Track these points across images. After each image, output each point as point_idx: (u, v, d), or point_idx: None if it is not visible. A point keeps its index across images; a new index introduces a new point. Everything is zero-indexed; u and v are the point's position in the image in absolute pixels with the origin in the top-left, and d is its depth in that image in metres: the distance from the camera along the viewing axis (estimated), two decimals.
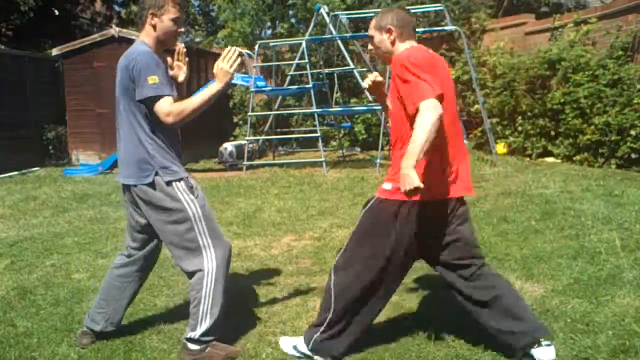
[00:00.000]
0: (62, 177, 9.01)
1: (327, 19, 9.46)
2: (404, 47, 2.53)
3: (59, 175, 9.24)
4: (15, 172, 9.36)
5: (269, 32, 12.18)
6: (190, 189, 2.65)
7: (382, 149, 8.27)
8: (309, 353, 2.61)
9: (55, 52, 10.77)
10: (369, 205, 2.54)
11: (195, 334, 2.60)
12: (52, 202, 6.71)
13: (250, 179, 7.81)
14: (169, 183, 2.60)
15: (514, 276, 3.45)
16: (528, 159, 8.21)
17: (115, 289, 2.85)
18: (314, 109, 8.60)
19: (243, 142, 9.74)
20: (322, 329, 2.55)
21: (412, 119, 2.28)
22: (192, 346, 2.62)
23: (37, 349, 2.83)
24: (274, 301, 3.32)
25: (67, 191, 7.45)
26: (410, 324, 2.90)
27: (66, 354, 2.76)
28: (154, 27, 2.64)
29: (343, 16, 9.82)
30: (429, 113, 2.19)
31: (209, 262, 2.61)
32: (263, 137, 10.31)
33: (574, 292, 3.14)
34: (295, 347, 2.66)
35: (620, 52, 7.61)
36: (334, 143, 10.92)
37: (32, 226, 5.50)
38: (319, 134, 8.41)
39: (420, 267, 3.74)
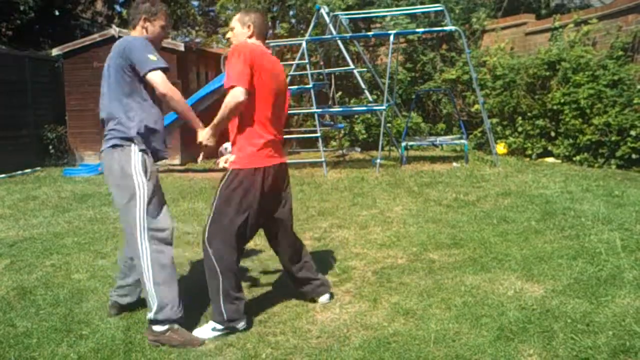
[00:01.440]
0: (61, 177, 9.01)
1: (327, 19, 9.46)
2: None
3: (58, 175, 9.24)
4: (15, 172, 9.37)
5: (270, 32, 12.18)
6: (145, 170, 2.83)
7: (382, 149, 8.27)
8: (229, 325, 2.89)
9: (55, 52, 10.77)
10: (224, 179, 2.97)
11: (150, 315, 2.80)
12: (51, 202, 6.71)
13: None
14: (128, 155, 2.81)
15: (514, 276, 3.45)
16: (528, 159, 8.21)
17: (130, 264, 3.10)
18: (314, 109, 8.60)
19: None
20: (223, 299, 2.88)
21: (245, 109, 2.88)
22: (154, 327, 2.81)
23: (37, 349, 2.83)
24: (273, 301, 3.32)
25: (67, 191, 7.45)
26: (410, 324, 2.90)
27: (66, 354, 2.76)
28: (146, 29, 2.97)
29: (343, 16, 9.82)
30: (231, 99, 2.79)
31: (142, 244, 2.82)
32: None
33: (574, 292, 3.13)
34: (214, 329, 2.90)
35: (621, 53, 7.62)
36: (334, 143, 10.91)
37: (32, 226, 5.50)
38: (319, 134, 8.41)
39: (420, 268, 3.75)
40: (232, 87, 2.80)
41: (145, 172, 2.84)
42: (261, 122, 2.95)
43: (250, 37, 3.03)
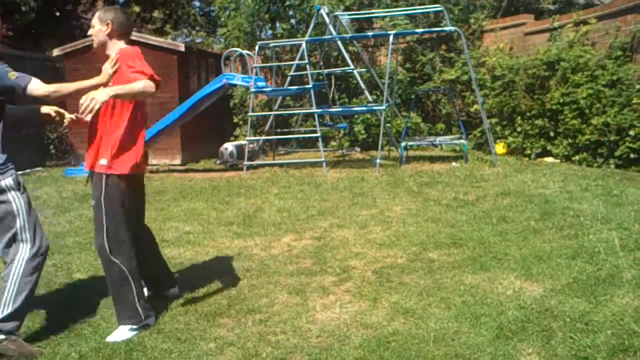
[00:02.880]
0: (63, 177, 9.02)
1: (327, 19, 9.48)
2: (117, 44, 3.07)
3: (60, 175, 9.25)
4: (17, 172, 9.35)
5: (269, 32, 12.17)
6: (18, 184, 2.88)
7: (382, 149, 8.29)
8: (144, 323, 3.01)
9: (56, 52, 10.77)
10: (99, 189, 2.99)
11: None
12: (53, 202, 6.72)
13: (251, 179, 7.82)
14: None
15: (513, 276, 3.47)
16: (527, 159, 8.22)
17: None
18: (314, 109, 8.62)
19: (243, 142, 9.76)
20: (137, 300, 3.00)
21: (125, 109, 2.96)
22: None
23: (38, 348, 2.84)
24: (274, 301, 3.34)
25: (68, 191, 7.46)
26: (409, 323, 2.91)
27: (67, 353, 2.78)
28: None
29: (343, 17, 9.84)
30: (148, 84, 2.83)
31: (22, 253, 2.84)
32: (263, 137, 10.33)
33: (573, 291, 3.15)
34: (131, 329, 2.97)
35: (619, 53, 7.63)
36: (334, 143, 10.93)
37: None
38: (319, 134, 8.42)
39: (420, 267, 3.76)
40: (152, 76, 2.86)
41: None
42: (142, 128, 3.10)
43: (109, 35, 3.05)
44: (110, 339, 2.92)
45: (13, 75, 2.85)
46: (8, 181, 2.85)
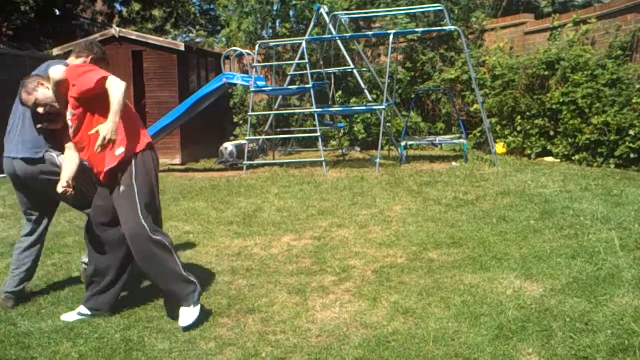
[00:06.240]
0: None
1: (327, 19, 9.48)
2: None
3: None
4: None
5: (270, 32, 12.17)
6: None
7: (382, 149, 8.29)
8: (199, 290, 3.03)
9: (56, 52, 10.77)
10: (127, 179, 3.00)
11: None
12: None
13: (251, 179, 7.82)
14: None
15: (513, 275, 3.47)
16: (527, 158, 8.23)
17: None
18: (314, 109, 8.62)
19: (243, 142, 9.76)
20: (184, 278, 2.99)
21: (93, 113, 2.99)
22: None
23: (38, 348, 2.84)
24: (274, 301, 3.34)
25: None
26: (409, 323, 2.91)
27: (67, 353, 2.78)
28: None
29: (343, 16, 9.84)
30: (120, 84, 2.87)
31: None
32: (263, 137, 10.33)
33: (573, 291, 3.15)
34: (195, 304, 2.97)
35: (619, 52, 7.63)
36: (334, 143, 10.93)
37: None
38: (319, 134, 8.42)
39: (420, 267, 3.76)
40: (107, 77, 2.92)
41: None
42: (129, 111, 3.16)
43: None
44: (183, 323, 2.92)
45: None
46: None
